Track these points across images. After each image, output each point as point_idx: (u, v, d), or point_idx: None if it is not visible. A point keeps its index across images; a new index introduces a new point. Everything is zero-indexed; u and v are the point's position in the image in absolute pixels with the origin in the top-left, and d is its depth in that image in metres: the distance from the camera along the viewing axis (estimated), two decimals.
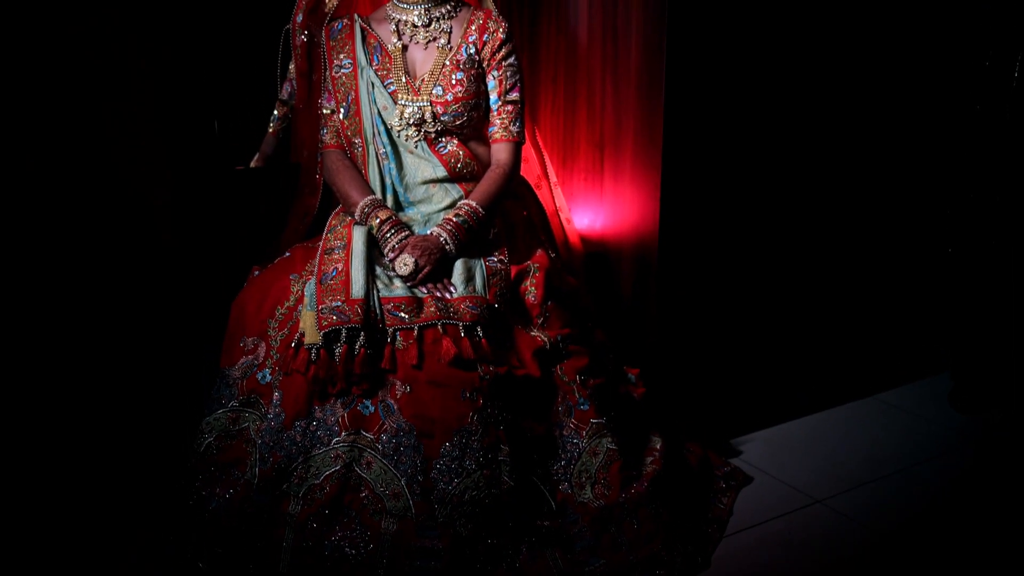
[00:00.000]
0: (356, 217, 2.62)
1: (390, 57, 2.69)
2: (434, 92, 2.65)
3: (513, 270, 2.61)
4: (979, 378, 3.26)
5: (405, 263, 2.47)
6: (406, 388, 2.32)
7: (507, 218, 2.77)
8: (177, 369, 2.80)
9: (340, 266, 2.45)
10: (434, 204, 2.68)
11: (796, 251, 3.35)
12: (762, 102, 3.05)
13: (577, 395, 2.52)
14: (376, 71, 2.68)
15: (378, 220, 2.57)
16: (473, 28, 2.70)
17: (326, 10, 2.93)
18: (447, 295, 2.47)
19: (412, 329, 2.36)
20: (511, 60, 2.71)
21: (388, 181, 2.68)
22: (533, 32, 3.25)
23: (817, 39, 3.17)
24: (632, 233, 2.98)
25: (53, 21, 2.59)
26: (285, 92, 3.10)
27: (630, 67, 2.88)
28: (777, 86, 3.09)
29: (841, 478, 2.81)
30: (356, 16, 2.75)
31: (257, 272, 2.68)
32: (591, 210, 3.13)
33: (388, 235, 2.54)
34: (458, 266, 2.53)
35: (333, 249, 2.53)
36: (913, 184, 3.60)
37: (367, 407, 2.33)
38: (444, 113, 2.65)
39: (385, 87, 2.67)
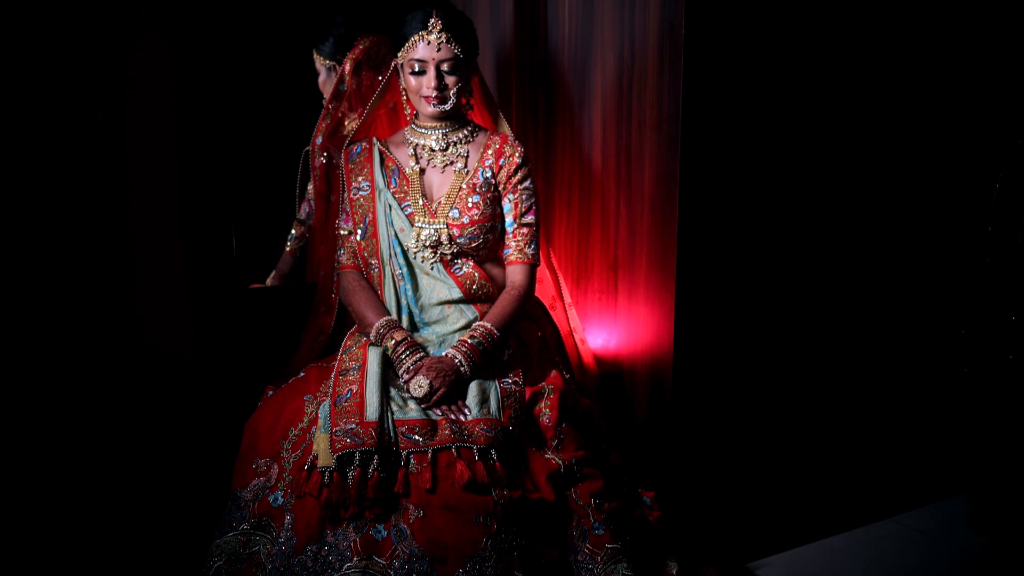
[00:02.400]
0: (371, 338, 2.63)
1: (408, 180, 2.73)
2: (450, 215, 2.69)
3: (527, 392, 2.61)
4: (1000, 500, 3.21)
5: (420, 385, 2.47)
6: (419, 512, 2.29)
7: (521, 339, 2.78)
8: (188, 490, 2.78)
9: (355, 388, 2.45)
10: (449, 325, 2.69)
11: (813, 371, 3.34)
12: (774, 226, 3.08)
13: (592, 519, 2.49)
14: (394, 193, 2.73)
15: (393, 341, 2.58)
16: (490, 152, 2.75)
17: (345, 133, 3.00)
18: (461, 417, 2.47)
19: (426, 452, 2.35)
20: (527, 184, 2.76)
21: (404, 302, 2.70)
22: (548, 155, 3.30)
23: (827, 166, 3.21)
24: (646, 353, 2.98)
25: (72, 144, 2.64)
26: (303, 212, 3.15)
27: (644, 190, 2.92)
28: (790, 210, 3.12)
29: None
30: (375, 139, 2.81)
31: (271, 392, 2.68)
32: (605, 330, 3.13)
33: (403, 356, 2.55)
34: (472, 388, 2.53)
35: (348, 370, 2.54)
36: (928, 303, 3.60)
37: (379, 532, 2.29)
38: (460, 235, 2.68)
39: (402, 209, 2.71)
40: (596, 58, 3.07)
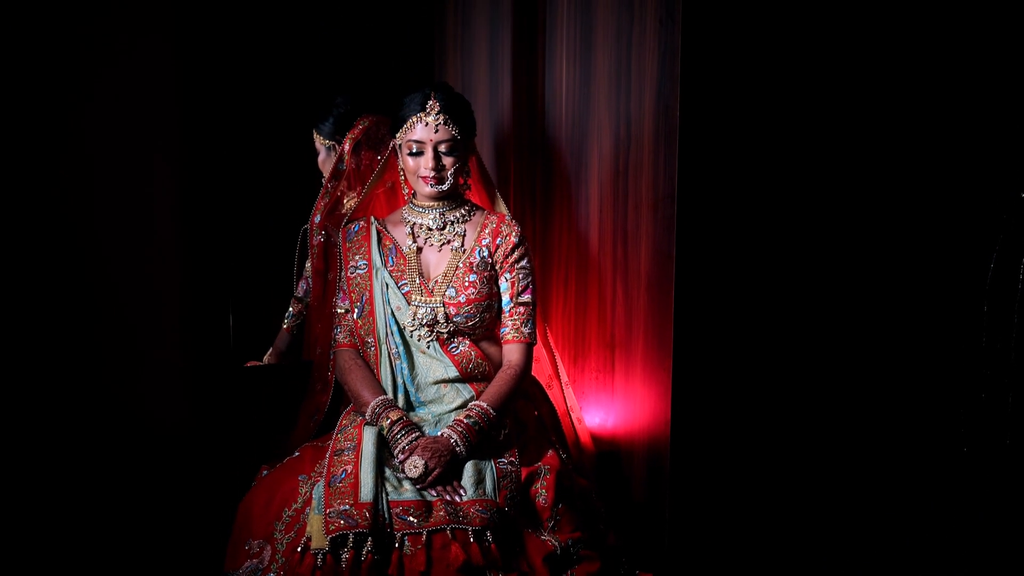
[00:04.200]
0: (367, 417, 2.62)
1: (405, 259, 2.75)
2: (447, 293, 2.69)
3: (524, 472, 2.59)
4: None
5: (415, 465, 2.45)
6: None
7: (518, 418, 2.77)
8: (180, 570, 2.74)
9: (349, 468, 2.44)
10: (445, 404, 2.68)
11: (813, 448, 3.32)
12: (770, 307, 3.09)
13: None
14: (391, 272, 2.74)
15: (389, 421, 2.57)
16: (487, 232, 2.77)
17: (343, 211, 3.02)
18: (457, 498, 2.44)
19: (420, 534, 2.32)
20: (523, 263, 2.77)
21: (400, 381, 2.69)
22: (545, 234, 3.33)
23: (823, 246, 3.23)
24: (644, 433, 2.96)
25: (72, 215, 2.66)
26: (300, 290, 3.16)
27: (640, 269, 2.94)
28: (786, 291, 3.13)
29: None
30: (372, 218, 2.82)
31: (266, 472, 2.66)
32: (602, 409, 3.12)
33: (399, 436, 2.53)
34: (468, 468, 2.51)
35: (343, 450, 2.52)
36: (927, 384, 3.59)
37: None
38: (457, 314, 2.68)
39: (399, 288, 2.72)
40: (593, 138, 3.11)
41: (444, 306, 2.69)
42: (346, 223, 2.85)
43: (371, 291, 2.74)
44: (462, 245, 2.76)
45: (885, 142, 3.34)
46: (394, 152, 2.80)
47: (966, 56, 3.42)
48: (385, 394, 2.66)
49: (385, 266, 2.75)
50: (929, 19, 3.35)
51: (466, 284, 2.70)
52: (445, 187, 2.71)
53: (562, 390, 3.05)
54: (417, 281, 2.72)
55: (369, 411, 2.61)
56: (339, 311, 2.80)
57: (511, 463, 2.58)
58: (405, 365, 2.69)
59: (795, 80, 3.08)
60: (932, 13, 3.34)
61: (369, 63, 3.68)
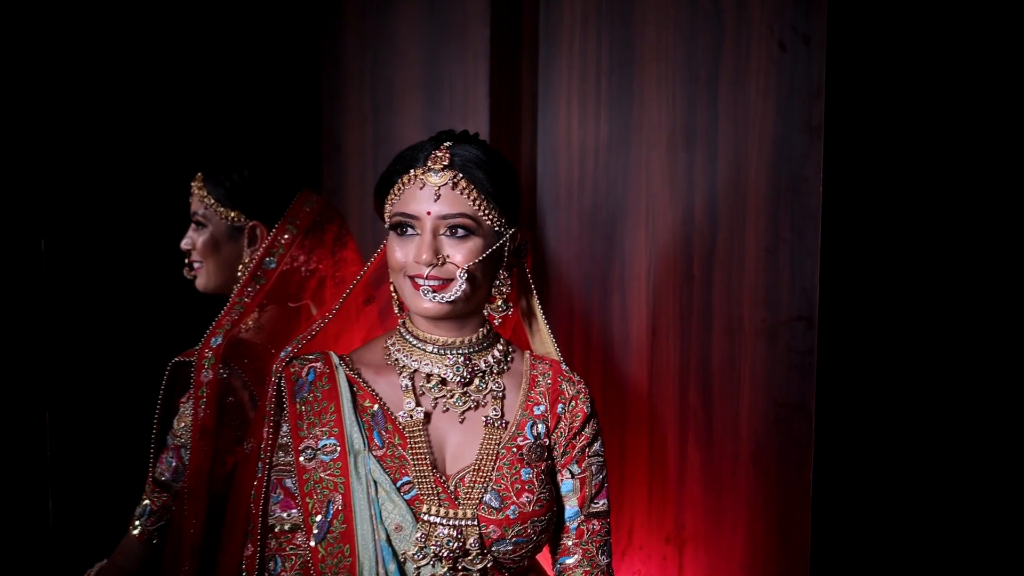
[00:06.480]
0: None
1: (402, 435, 1.57)
2: (485, 501, 1.54)
3: None
4: None
5: None
6: None
7: None
8: None
9: None
10: None
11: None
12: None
13: None
14: (380, 459, 1.54)
15: None
16: (538, 392, 1.65)
17: (242, 335, 1.79)
18: None
19: None
20: (597, 447, 1.68)
21: None
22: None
23: None
24: None
25: None
26: (164, 469, 1.83)
27: (739, 430, 1.95)
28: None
29: None
30: (334, 357, 1.62)
31: None
32: None
33: None
34: None
35: None
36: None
37: None
38: (501, 538, 1.54)
39: (398, 489, 1.53)
40: (637, 223, 2.06)
41: (479, 523, 1.53)
42: (289, 362, 1.61)
43: (347, 493, 1.52)
44: (502, 415, 1.61)
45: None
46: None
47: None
48: None
49: (370, 448, 1.55)
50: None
51: (516, 484, 1.56)
52: (450, 297, 1.55)
53: None
54: (430, 478, 1.54)
55: None
56: (280, 528, 1.56)
57: None
58: None
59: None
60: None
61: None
